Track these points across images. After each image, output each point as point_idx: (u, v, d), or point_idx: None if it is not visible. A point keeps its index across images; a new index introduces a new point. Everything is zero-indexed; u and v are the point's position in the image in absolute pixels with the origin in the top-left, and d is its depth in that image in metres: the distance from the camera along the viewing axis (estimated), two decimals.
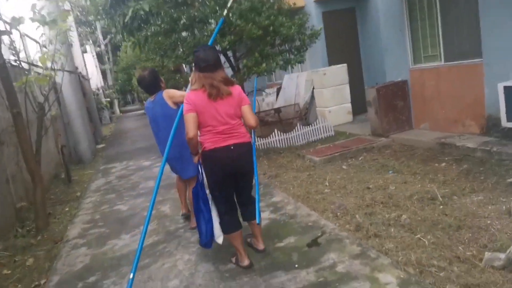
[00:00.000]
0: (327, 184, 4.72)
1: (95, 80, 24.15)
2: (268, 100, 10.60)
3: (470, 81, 5.18)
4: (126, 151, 10.42)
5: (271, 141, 7.14)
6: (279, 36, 6.04)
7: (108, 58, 33.28)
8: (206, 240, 3.01)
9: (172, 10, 6.14)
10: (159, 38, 6.49)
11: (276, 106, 10.12)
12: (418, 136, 5.86)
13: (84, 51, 26.87)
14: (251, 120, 2.85)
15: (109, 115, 24.78)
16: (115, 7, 11.58)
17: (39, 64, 5.75)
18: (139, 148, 10.54)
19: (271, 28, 5.87)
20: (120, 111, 32.36)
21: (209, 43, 3.71)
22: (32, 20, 4.84)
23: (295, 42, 6.51)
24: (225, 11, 4.54)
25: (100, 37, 31.50)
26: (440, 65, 5.66)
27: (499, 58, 4.68)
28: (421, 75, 6.04)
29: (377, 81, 8.05)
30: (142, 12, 9.37)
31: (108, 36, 31.52)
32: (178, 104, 3.54)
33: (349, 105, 8.34)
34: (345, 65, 8.23)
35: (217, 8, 5.41)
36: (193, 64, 2.74)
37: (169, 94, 3.70)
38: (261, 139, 7.12)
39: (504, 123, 4.61)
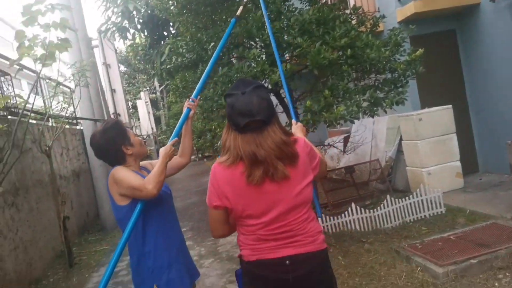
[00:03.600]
0: None
1: (146, 126, 23.47)
2: (333, 153, 8.24)
3: None
4: None
5: (346, 221, 4.74)
6: (363, 63, 3.82)
7: (163, 104, 33.26)
8: None
9: (200, 34, 4.26)
10: (186, 74, 4.60)
11: (345, 162, 7.76)
12: None
13: (139, 98, 26.80)
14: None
15: None
16: (154, 46, 10.34)
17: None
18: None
19: (349, 51, 3.70)
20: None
21: (214, 57, 2.34)
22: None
23: (384, 73, 4.26)
24: (240, 9, 2.41)
25: (156, 83, 31.67)
26: None
27: None
28: None
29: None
30: (180, 50, 7.81)
31: (166, 82, 31.65)
32: (130, 197, 1.91)
33: (458, 163, 5.74)
34: (450, 107, 5.75)
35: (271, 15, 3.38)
36: (226, 119, 1.57)
37: (115, 178, 1.88)
38: (330, 217, 4.75)
39: None
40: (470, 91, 6.58)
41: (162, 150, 1.97)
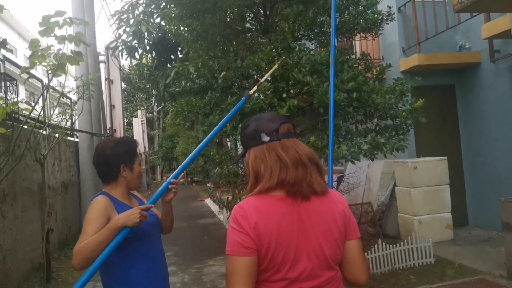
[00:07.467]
0: None
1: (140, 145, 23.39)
2: None
3: None
4: None
5: None
6: (367, 108, 3.94)
7: (158, 125, 33.36)
8: None
9: (212, 62, 4.36)
10: (192, 99, 4.67)
11: None
12: None
13: (135, 116, 26.90)
14: (361, 270, 1.33)
15: (147, 182, 23.47)
16: (160, 68, 10.50)
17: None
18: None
19: (355, 94, 3.82)
20: (162, 177, 31.29)
21: (220, 124, 2.00)
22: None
23: (386, 119, 4.37)
24: (254, 89, 2.11)
25: (154, 103, 31.86)
26: None
27: None
28: None
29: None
30: (190, 75, 7.99)
31: (163, 104, 31.91)
32: None
33: (449, 215, 5.80)
34: (445, 158, 5.87)
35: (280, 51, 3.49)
36: (245, 143, 1.35)
37: (88, 209, 1.80)
38: None
39: None
40: (464, 146, 6.74)
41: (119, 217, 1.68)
